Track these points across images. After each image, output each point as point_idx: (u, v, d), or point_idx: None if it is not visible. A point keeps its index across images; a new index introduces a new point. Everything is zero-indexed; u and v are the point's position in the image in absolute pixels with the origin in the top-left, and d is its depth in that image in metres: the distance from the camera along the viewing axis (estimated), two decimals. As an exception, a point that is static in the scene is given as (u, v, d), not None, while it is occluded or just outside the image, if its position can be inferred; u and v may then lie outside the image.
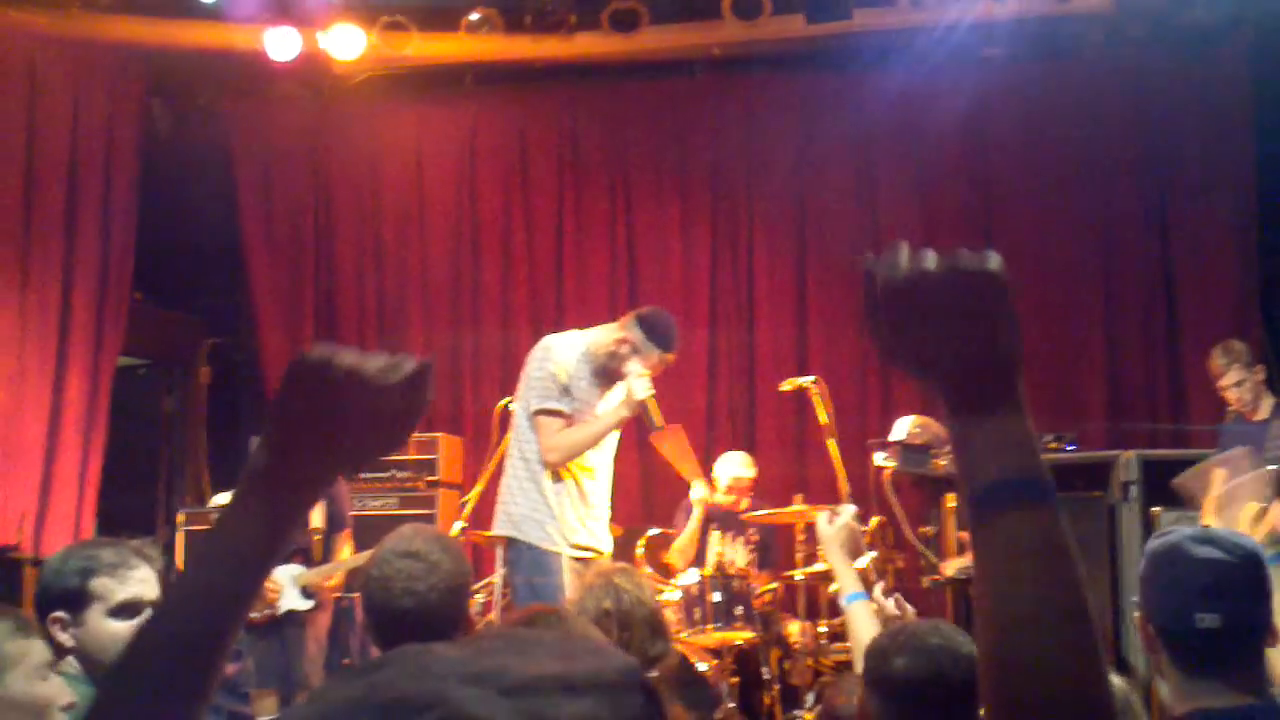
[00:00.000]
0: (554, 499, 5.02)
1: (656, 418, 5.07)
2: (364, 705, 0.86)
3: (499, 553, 5.30)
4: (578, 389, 5.06)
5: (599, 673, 0.89)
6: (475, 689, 0.85)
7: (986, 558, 1.18)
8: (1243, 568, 2.24)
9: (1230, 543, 2.28)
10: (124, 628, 2.73)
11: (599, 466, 5.19)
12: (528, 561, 5.00)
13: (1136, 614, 2.36)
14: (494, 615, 6.72)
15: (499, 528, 5.15)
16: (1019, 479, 1.15)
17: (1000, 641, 1.16)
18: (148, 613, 2.78)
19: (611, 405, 5.11)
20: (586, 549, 5.08)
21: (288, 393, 1.24)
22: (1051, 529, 1.14)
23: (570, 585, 4.82)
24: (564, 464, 5.03)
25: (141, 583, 2.79)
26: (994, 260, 1.17)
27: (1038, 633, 1.11)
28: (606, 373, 5.09)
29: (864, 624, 2.85)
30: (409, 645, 0.89)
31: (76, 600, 2.71)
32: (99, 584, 2.72)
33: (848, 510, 3.40)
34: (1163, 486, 6.56)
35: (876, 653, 2.46)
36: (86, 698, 2.44)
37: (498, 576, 6.67)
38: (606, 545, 5.22)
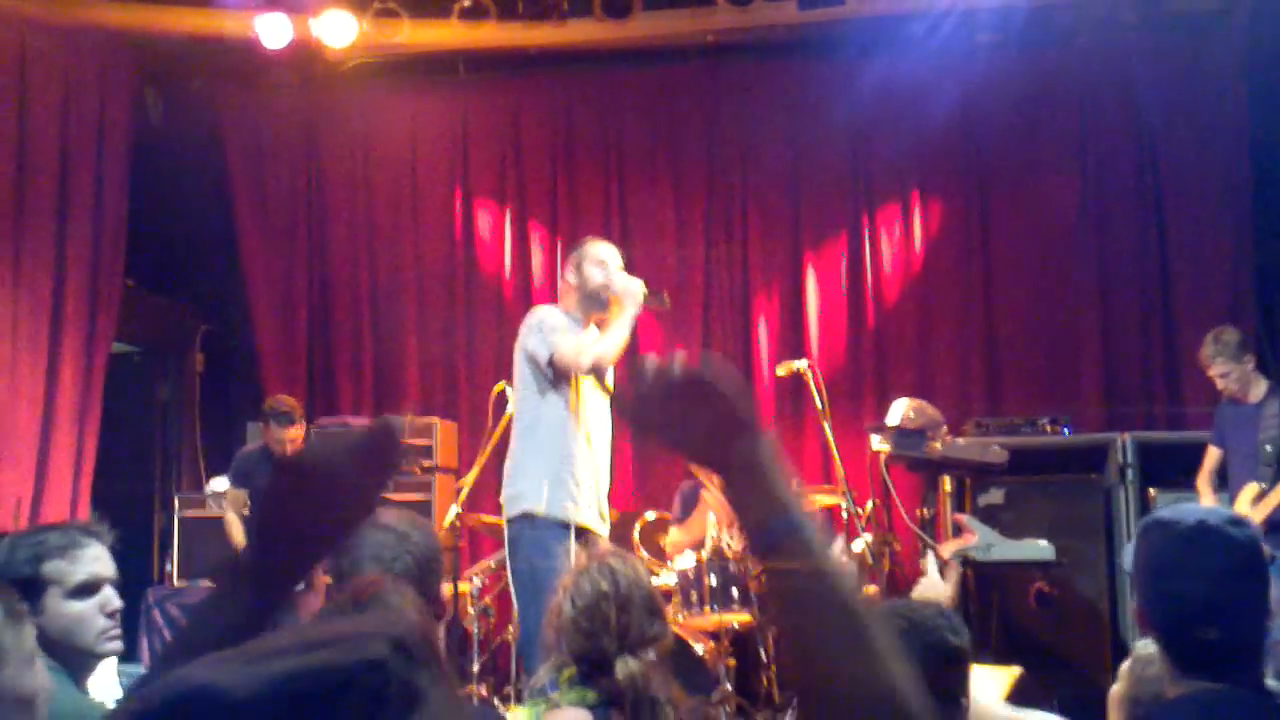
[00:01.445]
0: (559, 468, 4.94)
1: (657, 301, 5.10)
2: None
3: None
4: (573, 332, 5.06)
5: (335, 634, 0.95)
6: (226, 664, 0.93)
7: (770, 594, 1.45)
8: (1248, 572, 2.17)
9: (1233, 538, 2.17)
10: (85, 607, 2.70)
11: (600, 447, 5.15)
12: (528, 541, 4.92)
13: (1136, 604, 2.32)
14: (489, 600, 6.74)
15: (507, 511, 5.07)
16: (764, 529, 1.37)
17: (796, 660, 1.41)
18: (107, 590, 2.75)
19: (618, 311, 5.04)
20: (587, 528, 5.02)
21: (271, 493, 1.42)
22: (811, 564, 1.33)
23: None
24: (598, 369, 4.95)
25: (95, 560, 2.74)
26: (707, 364, 1.46)
27: (820, 653, 1.32)
28: (600, 304, 5.09)
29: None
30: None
31: (31, 587, 2.64)
32: (52, 568, 2.67)
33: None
34: (1159, 468, 6.60)
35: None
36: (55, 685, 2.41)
37: (493, 560, 6.71)
38: (604, 527, 5.18)
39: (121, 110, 7.78)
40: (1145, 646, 2.75)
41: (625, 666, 2.97)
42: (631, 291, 4.99)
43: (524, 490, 4.96)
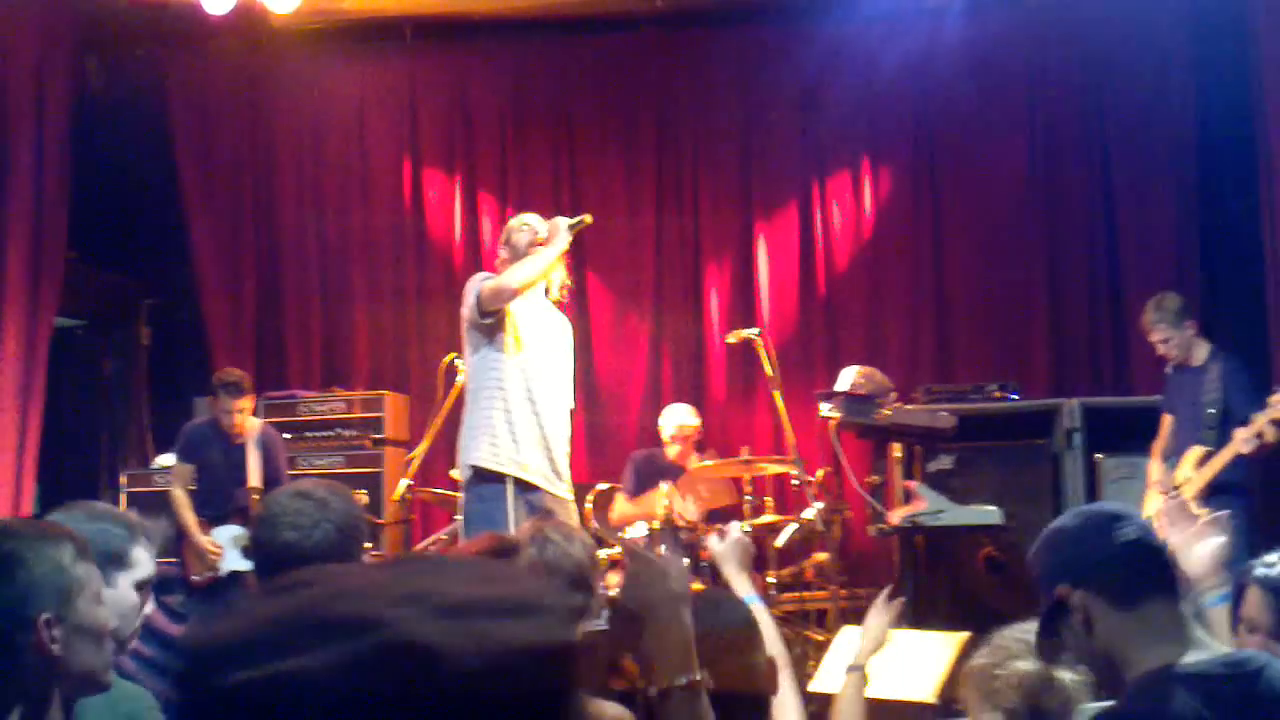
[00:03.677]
0: (498, 424, 5.03)
1: (580, 221, 5.25)
2: (299, 623, 0.86)
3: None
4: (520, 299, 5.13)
5: (524, 596, 0.91)
6: (409, 609, 0.86)
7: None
8: (1131, 509, 2.45)
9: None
10: (139, 602, 2.64)
11: (549, 406, 5.18)
12: (472, 496, 5.07)
13: (1057, 591, 2.35)
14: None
15: (461, 471, 5.18)
16: None
17: None
18: (149, 593, 2.72)
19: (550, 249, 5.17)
20: (532, 484, 5.06)
21: None
22: None
23: (521, 518, 4.79)
24: (523, 288, 5.06)
25: (152, 561, 2.70)
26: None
27: None
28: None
29: (767, 622, 2.96)
30: (320, 566, 0.89)
31: (115, 561, 2.60)
32: (138, 552, 2.63)
33: (735, 526, 3.59)
34: (1106, 433, 6.66)
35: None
36: None
37: (445, 533, 6.69)
38: (560, 486, 5.19)
39: (62, 78, 7.62)
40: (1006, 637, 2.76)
41: None
42: (556, 226, 5.14)
43: (467, 445, 5.09)
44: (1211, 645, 2.30)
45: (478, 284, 5.10)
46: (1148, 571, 2.29)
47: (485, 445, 5.00)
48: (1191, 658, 2.23)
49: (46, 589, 2.08)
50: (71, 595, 2.13)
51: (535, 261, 5.09)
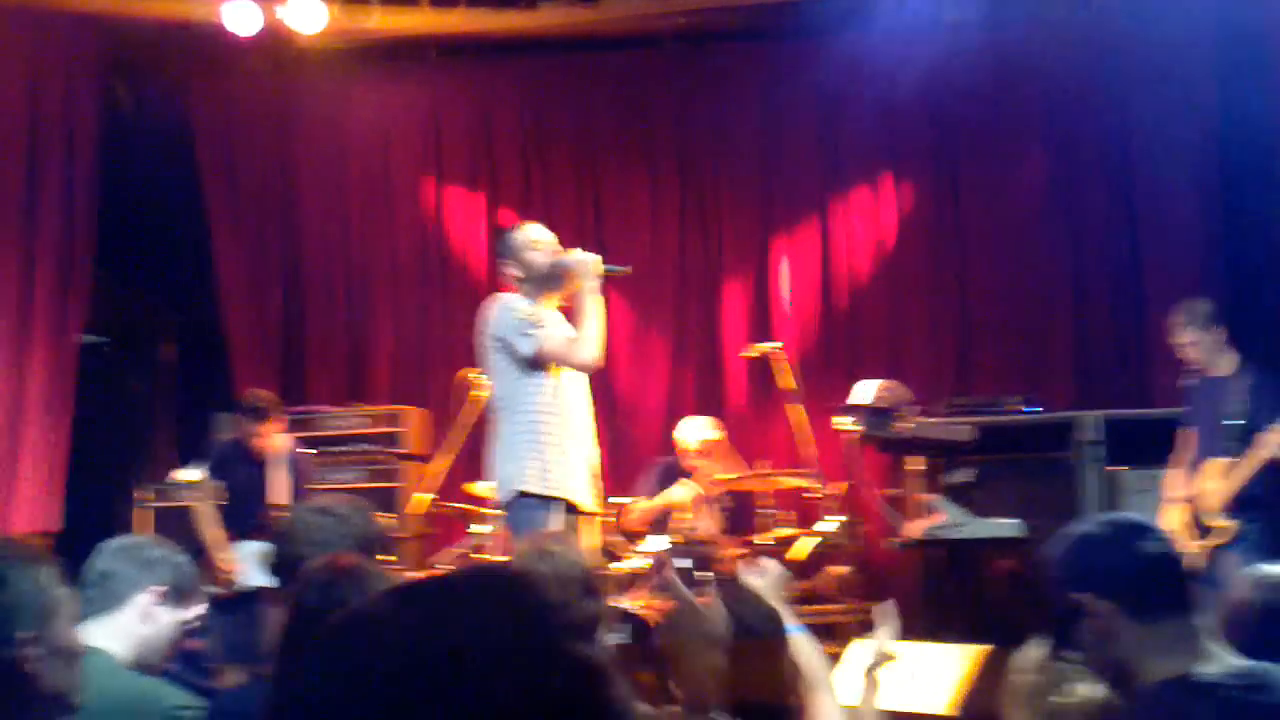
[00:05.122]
0: (546, 447, 4.87)
1: (617, 270, 5.14)
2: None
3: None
4: (550, 321, 4.98)
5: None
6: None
7: None
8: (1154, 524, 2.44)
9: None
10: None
11: (583, 424, 5.08)
12: (524, 521, 4.79)
13: (1080, 600, 2.36)
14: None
15: (500, 497, 4.99)
16: None
17: None
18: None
19: (583, 292, 4.98)
20: (578, 505, 4.95)
21: None
22: None
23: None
24: (599, 355, 4.94)
25: None
26: None
27: None
28: (553, 284, 5.04)
29: (806, 649, 2.96)
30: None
31: (183, 592, 2.89)
32: (198, 589, 2.95)
33: (772, 562, 3.60)
34: (1126, 446, 6.62)
35: None
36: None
37: (464, 546, 6.71)
38: (598, 504, 5.12)
39: (90, 100, 7.74)
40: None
41: None
42: (588, 266, 4.95)
43: (513, 472, 4.88)
44: (1224, 658, 2.30)
45: (524, 322, 4.87)
46: (1168, 587, 2.31)
47: (534, 469, 4.84)
48: (1203, 668, 2.23)
49: (27, 609, 2.12)
50: (50, 616, 2.17)
51: (593, 327, 4.90)
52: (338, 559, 2.40)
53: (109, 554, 2.90)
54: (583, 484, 4.99)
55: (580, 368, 4.91)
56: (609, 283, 7.70)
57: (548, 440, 4.88)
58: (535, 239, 5.08)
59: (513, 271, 5.08)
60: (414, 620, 0.94)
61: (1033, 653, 2.77)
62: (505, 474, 4.93)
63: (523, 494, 4.85)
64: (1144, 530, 2.36)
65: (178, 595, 2.86)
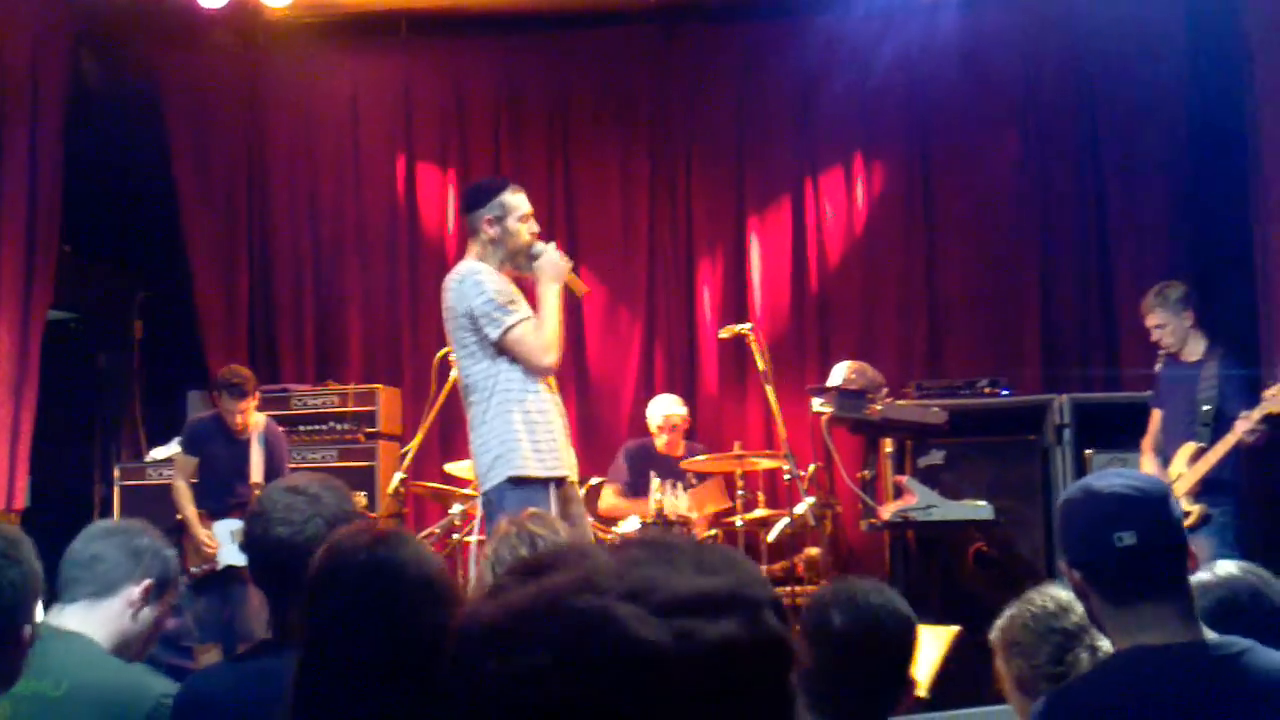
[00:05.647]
0: (525, 428, 4.74)
1: (578, 287, 5.03)
2: (542, 614, 0.93)
3: (479, 510, 5.10)
4: (519, 299, 4.86)
5: (736, 590, 0.95)
6: (632, 606, 0.92)
7: None
8: (1148, 495, 2.34)
9: (1131, 475, 2.42)
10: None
11: (557, 396, 4.96)
12: (514, 503, 4.59)
13: (1062, 564, 2.40)
14: (472, 574, 6.74)
15: (483, 484, 4.83)
16: None
17: None
18: None
19: (545, 288, 4.85)
20: (565, 478, 4.85)
21: None
22: None
23: (560, 512, 4.64)
24: (558, 360, 4.81)
25: None
26: None
27: None
28: (519, 262, 4.89)
29: None
30: (567, 547, 0.96)
31: (168, 585, 2.87)
32: (180, 582, 2.96)
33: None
34: (1095, 429, 6.69)
35: (817, 606, 2.52)
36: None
37: (438, 527, 6.71)
38: (574, 471, 5.00)
39: (56, 72, 7.62)
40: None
41: None
42: (560, 268, 4.83)
43: (501, 454, 4.73)
44: (1201, 634, 2.31)
45: (490, 302, 4.72)
46: (1143, 576, 2.28)
47: (525, 452, 4.71)
48: (1170, 638, 2.25)
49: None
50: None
51: (553, 326, 4.77)
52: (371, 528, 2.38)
53: (99, 537, 2.84)
54: (568, 456, 4.90)
55: (537, 369, 4.75)
56: (580, 256, 7.75)
57: (533, 417, 4.76)
58: (525, 211, 4.90)
59: (488, 231, 4.84)
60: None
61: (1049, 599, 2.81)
62: (488, 458, 4.76)
63: (517, 479, 4.71)
64: (1122, 519, 2.29)
65: (161, 591, 2.84)
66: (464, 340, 4.79)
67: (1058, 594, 2.73)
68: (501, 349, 4.73)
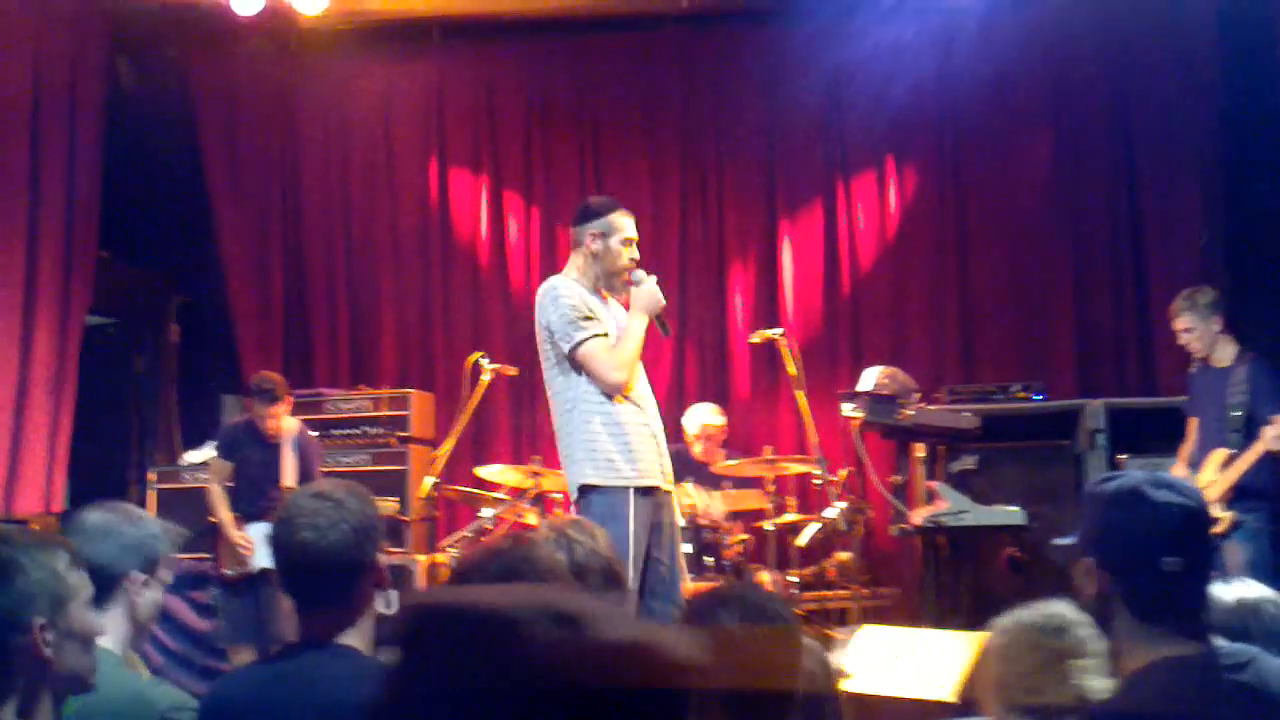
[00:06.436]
0: (607, 437, 4.73)
1: (664, 327, 5.00)
2: None
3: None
4: (599, 314, 4.83)
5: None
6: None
7: None
8: (1197, 515, 2.28)
9: (1186, 488, 2.31)
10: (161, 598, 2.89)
11: (648, 405, 4.93)
12: (599, 510, 4.64)
13: (1088, 560, 2.36)
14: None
15: (572, 492, 4.82)
16: None
17: None
18: None
19: (635, 316, 4.84)
20: (656, 488, 4.82)
21: None
22: None
23: (643, 524, 4.66)
24: (627, 380, 4.76)
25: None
26: None
27: None
28: (613, 283, 4.90)
29: None
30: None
31: (158, 566, 2.84)
32: (171, 557, 2.86)
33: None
34: (1129, 434, 6.66)
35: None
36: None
37: (469, 530, 6.74)
38: (669, 481, 4.94)
39: (94, 79, 7.72)
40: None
41: None
42: (654, 302, 4.85)
43: (583, 464, 4.74)
44: (1211, 644, 2.30)
45: (567, 315, 4.72)
46: (1179, 597, 2.25)
47: (601, 464, 4.72)
48: (1181, 650, 2.24)
49: (42, 595, 2.17)
50: (65, 601, 2.21)
51: (630, 352, 4.76)
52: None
53: (87, 540, 2.80)
54: (653, 464, 4.85)
55: (603, 384, 4.74)
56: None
57: (615, 428, 4.76)
58: (629, 235, 4.91)
59: (592, 245, 4.87)
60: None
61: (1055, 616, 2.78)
62: (575, 469, 4.78)
63: (595, 486, 4.72)
64: (1161, 540, 2.22)
65: (153, 571, 2.85)
66: (547, 353, 4.83)
67: (1065, 613, 2.71)
68: (574, 363, 4.76)
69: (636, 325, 4.82)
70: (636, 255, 4.94)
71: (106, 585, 2.74)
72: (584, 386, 4.77)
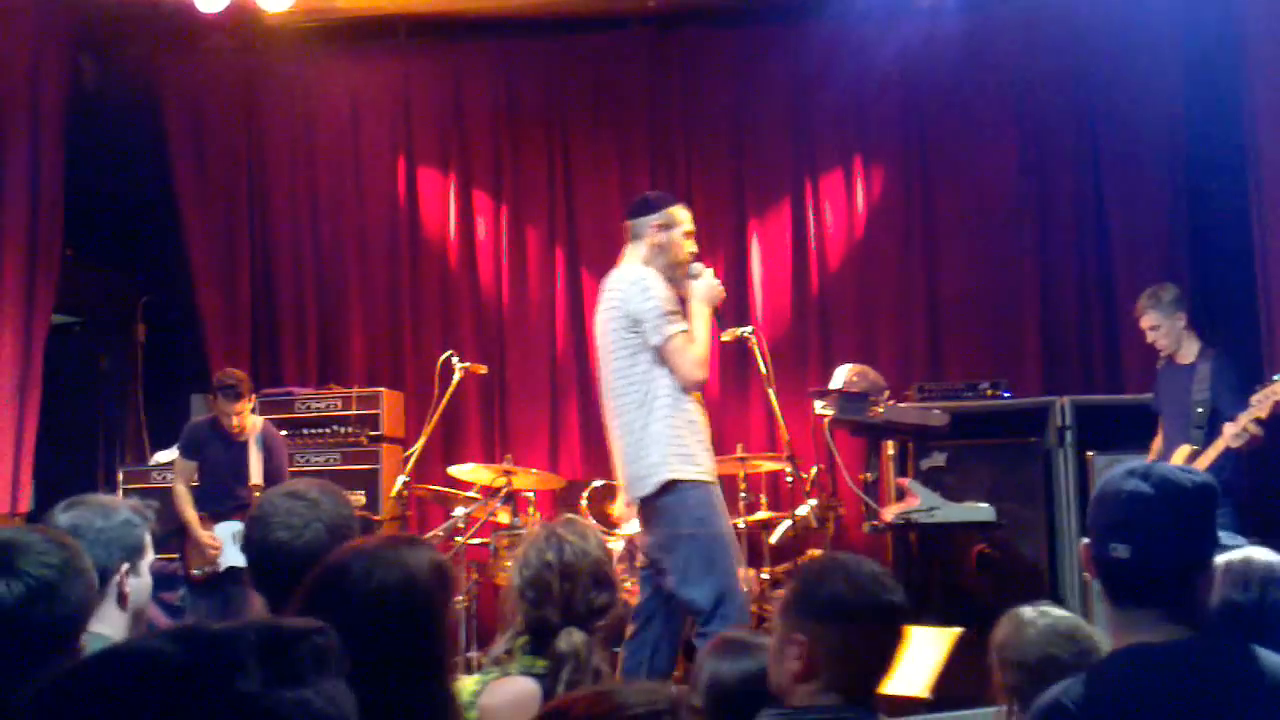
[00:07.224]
0: (689, 430, 4.74)
1: (720, 317, 5.03)
2: None
3: (636, 516, 4.94)
4: (678, 310, 4.84)
5: None
6: None
7: None
8: (1163, 500, 2.24)
9: (1160, 476, 2.27)
10: (150, 581, 2.90)
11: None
12: (695, 501, 4.65)
13: (1083, 542, 2.40)
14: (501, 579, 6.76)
15: (646, 487, 4.70)
16: None
17: None
18: None
19: (698, 307, 4.86)
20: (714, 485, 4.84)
21: None
22: None
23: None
24: (706, 375, 4.84)
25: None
26: None
27: None
28: (675, 276, 4.89)
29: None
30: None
31: (140, 551, 2.84)
32: (147, 537, 2.86)
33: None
34: (1097, 431, 6.71)
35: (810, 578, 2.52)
36: None
37: (441, 529, 6.72)
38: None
39: (56, 77, 7.63)
40: (1026, 611, 2.93)
41: (569, 638, 3.00)
42: (715, 293, 4.89)
43: (662, 459, 4.69)
44: (1197, 631, 2.32)
45: (658, 308, 4.70)
46: (1135, 588, 2.27)
47: (688, 460, 4.71)
48: (1151, 637, 2.25)
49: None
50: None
51: (703, 342, 4.80)
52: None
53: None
54: (713, 460, 4.88)
55: (687, 381, 4.75)
56: (580, 259, 7.72)
57: (695, 425, 4.77)
58: (689, 228, 4.95)
59: (656, 236, 4.88)
60: None
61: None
62: (650, 463, 4.71)
63: (693, 481, 4.70)
64: (1124, 527, 2.25)
65: (135, 556, 2.83)
66: (625, 340, 4.77)
67: (1073, 618, 2.77)
68: (659, 356, 4.74)
69: (701, 319, 4.84)
70: (695, 248, 4.97)
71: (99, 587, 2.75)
72: (660, 382, 4.73)
